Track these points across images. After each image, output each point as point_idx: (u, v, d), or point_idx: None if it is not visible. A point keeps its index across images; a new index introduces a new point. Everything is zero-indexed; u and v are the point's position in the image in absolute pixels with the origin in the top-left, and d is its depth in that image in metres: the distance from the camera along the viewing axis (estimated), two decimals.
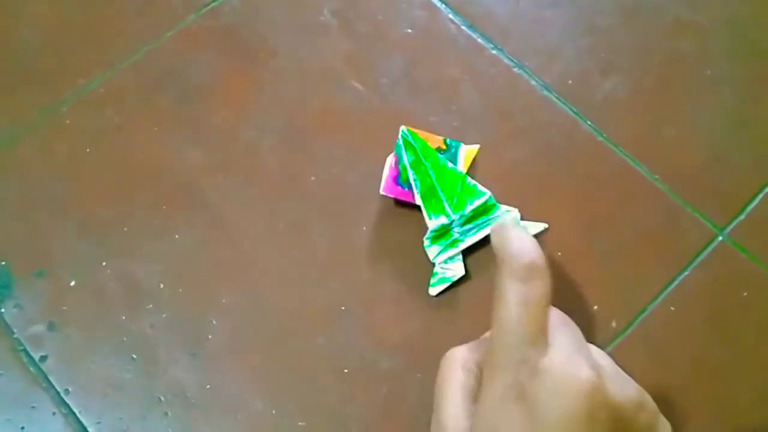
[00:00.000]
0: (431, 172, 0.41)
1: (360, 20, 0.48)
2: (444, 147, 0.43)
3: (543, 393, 0.28)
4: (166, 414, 0.38)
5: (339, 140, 0.44)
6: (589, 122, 0.44)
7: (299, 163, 0.44)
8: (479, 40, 0.47)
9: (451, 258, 0.40)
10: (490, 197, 0.40)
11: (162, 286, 0.40)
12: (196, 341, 0.39)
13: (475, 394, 0.32)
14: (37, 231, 0.42)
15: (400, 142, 0.42)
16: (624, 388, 0.30)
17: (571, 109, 0.44)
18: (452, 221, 0.40)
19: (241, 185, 0.43)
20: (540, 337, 0.30)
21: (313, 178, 0.43)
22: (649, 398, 0.31)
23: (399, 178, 0.41)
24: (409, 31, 0.47)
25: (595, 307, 0.40)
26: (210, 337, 0.39)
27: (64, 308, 0.40)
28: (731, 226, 0.41)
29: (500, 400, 0.29)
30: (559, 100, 0.45)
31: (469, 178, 0.41)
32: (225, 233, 0.42)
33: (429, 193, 0.40)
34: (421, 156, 0.41)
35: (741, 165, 0.43)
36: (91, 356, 0.39)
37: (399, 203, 0.42)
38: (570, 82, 0.45)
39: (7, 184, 0.43)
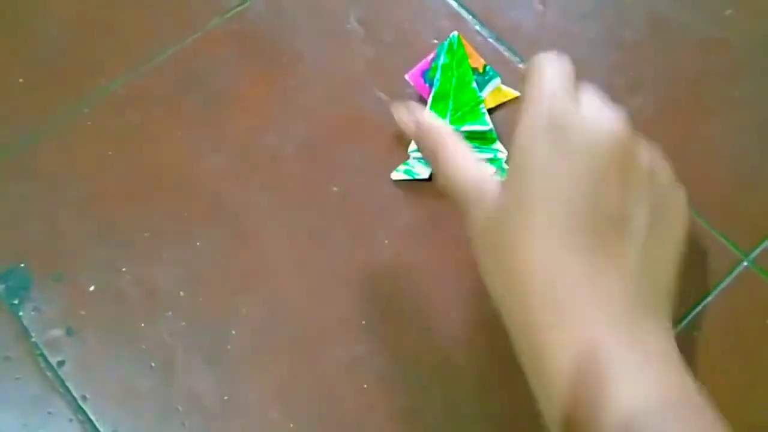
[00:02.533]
0: (454, 81, 0.43)
1: (386, 28, 0.47)
2: (481, 71, 0.44)
3: (577, 128, 0.30)
4: (183, 424, 0.37)
5: (362, 150, 0.44)
6: None
7: (321, 172, 0.43)
8: (506, 53, 0.46)
9: (424, 160, 0.42)
10: (491, 130, 0.42)
11: (182, 293, 0.40)
12: (215, 350, 0.39)
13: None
14: (56, 233, 0.42)
15: (446, 42, 0.44)
16: (651, 152, 0.32)
17: None
18: None
19: (262, 193, 0.43)
20: (573, 93, 0.31)
21: (335, 188, 0.43)
22: (668, 167, 0.33)
23: (427, 72, 0.43)
24: (435, 41, 0.47)
25: None
26: (229, 346, 0.39)
27: (83, 313, 0.40)
28: (757, 252, 0.41)
29: (533, 132, 0.30)
30: None
31: (483, 107, 0.43)
32: (245, 242, 0.42)
33: (440, 98, 0.43)
34: (454, 63, 0.43)
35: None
36: (109, 362, 0.39)
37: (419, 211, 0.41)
38: None
39: (27, 185, 0.43)
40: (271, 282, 0.41)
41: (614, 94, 0.44)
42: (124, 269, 0.41)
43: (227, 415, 0.38)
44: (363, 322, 0.40)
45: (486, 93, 0.44)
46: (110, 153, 0.44)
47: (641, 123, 0.44)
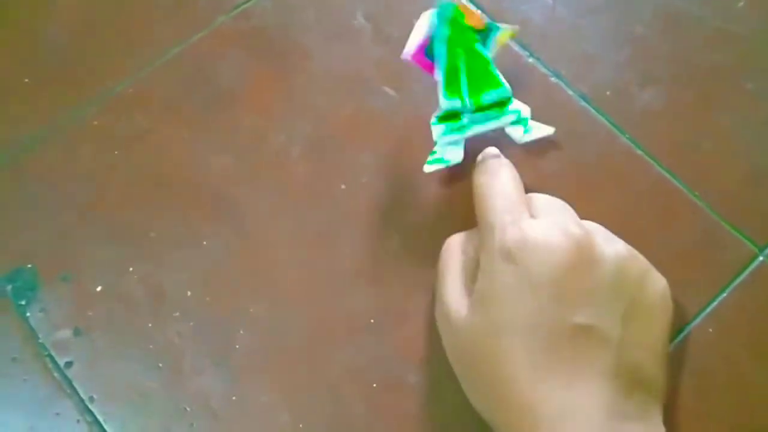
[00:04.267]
0: (461, 52, 0.39)
1: (393, 25, 0.47)
2: (482, 28, 0.40)
3: (528, 250, 0.31)
4: (192, 425, 0.37)
5: (370, 148, 0.43)
6: (627, 134, 0.43)
7: (329, 171, 0.43)
8: (515, 47, 0.46)
9: (454, 143, 0.40)
10: (507, 91, 0.40)
11: (189, 293, 0.40)
12: (223, 351, 0.39)
13: (474, 275, 0.34)
14: (63, 234, 0.41)
15: (436, 11, 0.39)
16: (614, 243, 0.33)
17: (609, 121, 0.43)
18: (465, 107, 0.40)
19: (269, 193, 0.42)
20: (520, 206, 0.34)
21: (343, 186, 0.42)
22: (639, 254, 0.33)
23: (427, 48, 0.40)
24: None
25: None
26: (237, 347, 0.39)
27: (90, 314, 0.40)
28: None
29: (492, 264, 0.32)
30: (597, 111, 0.44)
31: (495, 69, 0.40)
32: (253, 241, 0.41)
33: (452, 74, 0.39)
34: (457, 35, 0.39)
35: None
36: (116, 363, 0.39)
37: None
38: (608, 92, 0.44)
39: (33, 186, 0.43)
40: (278, 282, 0.40)
41: (625, 88, 0.44)
42: (131, 269, 0.41)
43: (235, 416, 0.37)
44: (372, 321, 0.39)
45: (492, 48, 0.40)
46: (116, 153, 0.43)
47: (653, 117, 0.44)
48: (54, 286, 0.40)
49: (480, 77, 0.40)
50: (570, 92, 0.44)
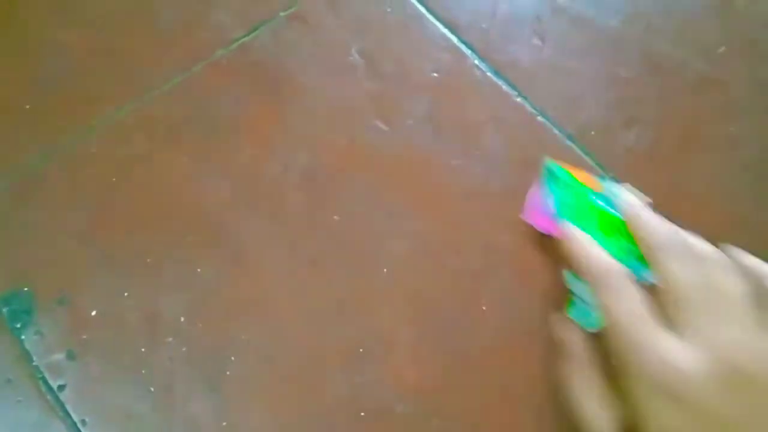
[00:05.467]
0: (592, 218, 0.37)
1: (387, 61, 0.48)
2: (600, 190, 0.38)
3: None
4: None
5: (363, 180, 0.45)
6: (610, 174, 0.44)
7: (323, 202, 0.44)
8: (504, 87, 0.47)
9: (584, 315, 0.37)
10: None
11: (183, 319, 0.41)
12: (215, 377, 0.39)
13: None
14: (60, 258, 0.42)
15: (549, 174, 0.38)
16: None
17: (593, 160, 0.45)
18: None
19: (264, 222, 0.43)
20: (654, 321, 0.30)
21: (336, 217, 0.44)
22: None
23: (544, 209, 0.38)
24: (435, 74, 0.48)
25: None
26: (228, 373, 0.40)
27: (84, 337, 0.40)
28: None
29: (649, 397, 0.29)
30: (582, 151, 0.45)
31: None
32: (247, 269, 0.42)
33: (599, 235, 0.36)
34: (576, 198, 0.37)
35: (763, 224, 0.43)
36: (109, 387, 0.39)
37: None
38: (593, 132, 0.46)
39: (33, 210, 0.43)
40: (271, 309, 0.41)
41: (610, 128, 0.46)
42: (126, 294, 0.41)
43: None
44: (361, 351, 0.40)
45: (618, 211, 0.37)
46: (114, 179, 0.44)
47: (637, 158, 0.45)
48: (49, 309, 0.41)
49: (619, 237, 0.36)
50: (556, 131, 0.46)
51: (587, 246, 0.34)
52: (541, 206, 0.38)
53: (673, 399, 0.28)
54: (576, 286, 0.37)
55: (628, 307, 0.31)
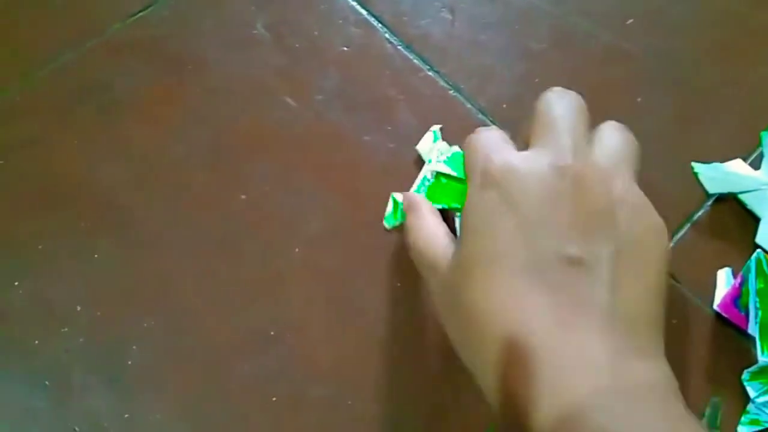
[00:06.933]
0: None
1: (294, 35, 0.47)
2: None
3: (513, 176, 0.29)
4: None
5: (271, 158, 0.43)
6: None
7: (228, 181, 0.42)
8: (415, 61, 0.46)
9: None
10: None
11: (79, 308, 0.38)
12: (115, 367, 0.37)
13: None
14: None
15: (752, 264, 0.37)
16: (613, 179, 0.30)
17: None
18: None
19: (165, 203, 0.41)
20: (507, 143, 0.31)
21: (243, 196, 0.42)
22: (637, 190, 0.31)
23: (738, 300, 0.38)
24: (345, 48, 0.47)
25: None
26: (130, 362, 0.37)
27: None
28: None
29: (474, 196, 0.30)
30: (494, 123, 0.45)
31: None
32: (148, 253, 0.40)
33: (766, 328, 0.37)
34: None
35: (670, 192, 0.43)
36: (1, 382, 0.36)
37: None
38: (504, 105, 0.45)
39: None
40: (175, 295, 0.39)
41: (521, 101, 0.46)
42: (16, 284, 0.39)
43: None
44: (272, 333, 0.39)
45: None
46: (1, 163, 0.41)
47: None
48: None
49: None
50: (468, 105, 0.45)
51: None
52: (736, 297, 0.38)
53: (495, 186, 0.29)
54: None
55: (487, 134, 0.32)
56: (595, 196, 0.29)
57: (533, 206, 0.28)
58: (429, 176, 0.39)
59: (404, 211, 0.36)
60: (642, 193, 0.31)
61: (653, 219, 0.31)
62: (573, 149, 0.30)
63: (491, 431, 0.35)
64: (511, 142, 0.32)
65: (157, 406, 0.37)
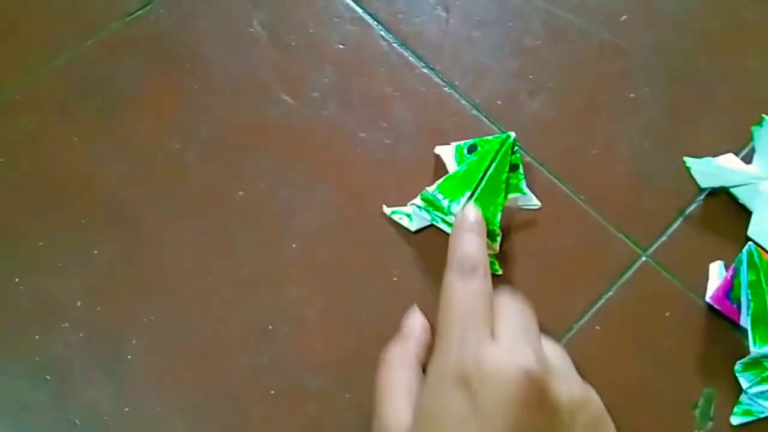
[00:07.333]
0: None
1: (290, 33, 0.47)
2: None
3: (485, 379, 0.29)
4: None
5: (268, 154, 0.43)
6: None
7: (226, 177, 0.43)
8: (410, 58, 0.47)
9: (764, 394, 0.37)
10: None
11: (79, 303, 0.39)
12: (115, 361, 0.38)
13: (417, 391, 0.32)
14: None
15: (743, 256, 0.38)
16: (569, 386, 0.30)
17: (499, 129, 0.45)
18: None
19: (164, 199, 0.42)
20: (484, 327, 0.31)
21: (240, 192, 0.42)
22: (595, 399, 0.31)
23: (730, 292, 0.39)
24: (341, 46, 0.47)
25: None
26: (129, 357, 0.38)
27: None
28: (654, 247, 0.42)
29: (443, 385, 0.30)
30: (489, 120, 0.45)
31: None
32: (147, 249, 0.40)
33: (761, 320, 0.37)
34: (762, 279, 0.37)
35: (663, 186, 0.44)
36: (1, 377, 0.37)
37: None
38: (499, 102, 0.46)
39: None
40: (173, 289, 0.40)
41: (515, 97, 0.46)
42: (17, 280, 0.39)
43: (128, 428, 0.36)
44: (270, 328, 0.39)
45: None
46: (2, 160, 0.42)
47: (541, 125, 0.45)
48: None
49: None
50: (463, 102, 0.46)
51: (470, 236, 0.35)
52: (729, 289, 0.39)
53: (466, 386, 0.29)
54: None
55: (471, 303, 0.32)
56: (558, 408, 0.29)
57: (500, 416, 0.28)
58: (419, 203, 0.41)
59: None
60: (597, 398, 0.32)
61: (607, 423, 0.32)
62: (537, 352, 0.30)
63: None
64: (490, 310, 0.32)
65: (157, 398, 0.37)
